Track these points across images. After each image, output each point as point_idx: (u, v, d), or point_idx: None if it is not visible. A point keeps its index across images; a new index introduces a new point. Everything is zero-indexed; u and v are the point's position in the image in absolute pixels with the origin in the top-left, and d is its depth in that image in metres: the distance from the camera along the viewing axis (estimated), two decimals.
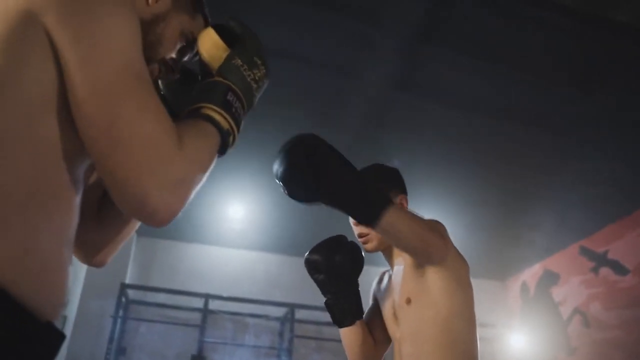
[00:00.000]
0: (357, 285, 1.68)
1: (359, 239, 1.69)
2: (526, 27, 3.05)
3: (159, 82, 0.98)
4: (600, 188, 4.43)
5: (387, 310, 1.67)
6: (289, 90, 3.53)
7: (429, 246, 1.40)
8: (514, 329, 6.05)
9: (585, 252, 5.35)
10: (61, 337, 0.70)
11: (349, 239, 1.69)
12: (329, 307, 1.67)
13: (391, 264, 1.72)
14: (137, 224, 1.01)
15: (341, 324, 1.67)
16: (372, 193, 1.31)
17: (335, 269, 1.62)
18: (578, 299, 5.34)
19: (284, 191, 1.30)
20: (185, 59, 0.98)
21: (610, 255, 5.01)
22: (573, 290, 5.44)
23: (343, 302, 1.65)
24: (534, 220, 5.06)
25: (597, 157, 4.06)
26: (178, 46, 0.95)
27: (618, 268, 4.90)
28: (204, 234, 5.72)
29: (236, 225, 5.42)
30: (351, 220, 1.69)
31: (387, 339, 1.75)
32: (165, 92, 0.99)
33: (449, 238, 1.52)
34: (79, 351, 4.88)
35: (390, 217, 1.30)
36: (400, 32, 3.11)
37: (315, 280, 1.66)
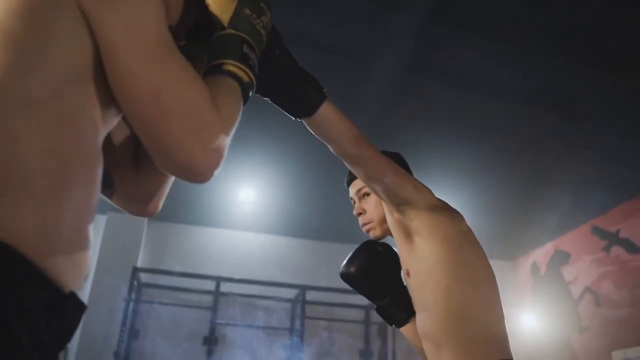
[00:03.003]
0: (400, 282, 1.66)
1: (363, 228, 1.70)
2: (544, 7, 2.99)
3: None
4: (613, 168, 4.39)
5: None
6: None
7: (365, 151, 1.36)
8: (525, 309, 6.05)
9: (597, 231, 5.32)
10: (82, 307, 0.71)
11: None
12: (380, 312, 1.68)
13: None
14: None
15: (398, 325, 1.68)
16: (310, 84, 1.26)
17: (371, 277, 1.63)
18: (589, 278, 5.33)
19: None
20: (187, 23, 0.98)
21: (622, 234, 4.99)
22: (584, 269, 5.43)
23: (392, 304, 1.65)
24: (546, 200, 5.04)
25: (611, 137, 4.02)
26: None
27: (630, 247, 4.88)
28: (216, 217, 5.75)
29: (247, 209, 5.44)
30: (354, 212, 1.72)
31: None
32: None
33: (419, 182, 1.46)
34: (92, 334, 4.95)
35: (327, 111, 1.29)
36: (415, 15, 3.07)
37: (358, 291, 1.67)
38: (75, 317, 0.70)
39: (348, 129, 1.35)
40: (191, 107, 0.71)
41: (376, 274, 1.63)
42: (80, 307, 0.70)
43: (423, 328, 1.45)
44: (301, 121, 1.32)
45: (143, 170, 0.98)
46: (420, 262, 1.44)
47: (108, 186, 0.92)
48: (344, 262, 1.66)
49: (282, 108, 1.27)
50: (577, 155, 4.31)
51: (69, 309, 0.68)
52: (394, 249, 1.70)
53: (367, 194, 1.69)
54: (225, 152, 0.76)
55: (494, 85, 3.64)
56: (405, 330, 1.67)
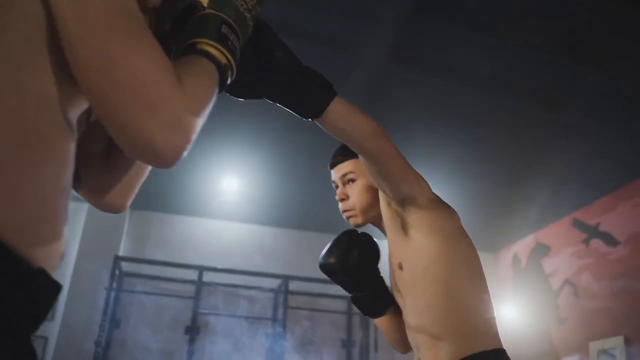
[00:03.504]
0: (378, 272, 1.63)
1: (344, 214, 1.64)
2: None
3: None
4: (594, 161, 4.44)
5: (391, 282, 1.60)
6: None
7: (383, 147, 1.29)
8: (506, 300, 6.12)
9: (577, 224, 5.39)
10: (56, 285, 0.67)
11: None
12: (357, 303, 1.64)
13: (385, 233, 1.62)
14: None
15: (375, 316, 1.65)
16: (317, 82, 1.21)
17: (352, 268, 1.56)
18: (569, 270, 5.40)
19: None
20: (174, 7, 0.94)
21: (602, 227, 5.06)
22: (564, 261, 5.50)
23: (370, 295, 1.61)
24: (527, 192, 5.08)
25: (594, 131, 4.06)
26: None
27: (609, 239, 4.95)
28: (198, 207, 5.72)
29: (230, 198, 5.42)
30: (337, 197, 1.65)
31: None
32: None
33: (421, 178, 1.44)
34: (72, 323, 4.91)
35: (338, 108, 1.23)
36: (400, 5, 3.06)
37: (336, 282, 1.62)
38: (47, 295, 0.66)
39: (365, 124, 1.28)
40: (148, 80, 0.64)
41: (356, 265, 1.56)
42: (53, 286, 0.66)
43: (418, 321, 1.42)
44: (313, 121, 1.28)
45: (113, 163, 0.94)
46: (417, 256, 1.41)
47: (75, 178, 0.87)
48: (323, 252, 1.59)
49: (290, 110, 1.23)
50: (559, 148, 4.34)
51: (38, 286, 0.64)
52: (380, 238, 1.68)
53: (352, 180, 1.62)
54: (192, 134, 0.70)
55: (478, 76, 3.65)
56: (380, 321, 1.65)
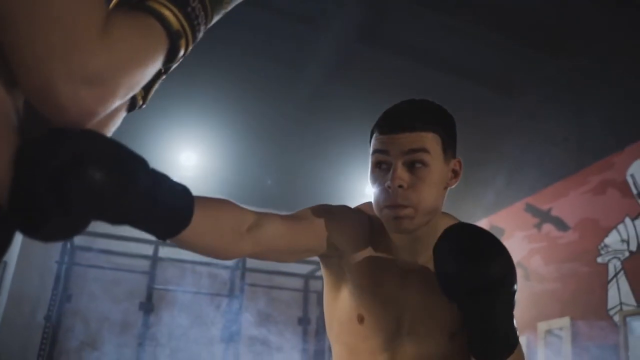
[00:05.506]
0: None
1: (391, 211, 1.05)
2: None
3: None
4: (548, 148, 4.55)
5: (388, 316, 1.22)
6: (251, 37, 3.43)
7: None
8: None
9: (530, 208, 5.53)
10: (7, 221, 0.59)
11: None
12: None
13: (412, 250, 1.18)
14: (118, 115, 0.82)
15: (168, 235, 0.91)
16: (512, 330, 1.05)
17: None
18: (520, 253, 5.55)
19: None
20: None
21: (553, 212, 5.20)
22: (516, 244, 5.64)
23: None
24: (482, 177, 5.17)
25: (548, 119, 4.14)
26: None
27: (560, 224, 5.10)
28: None
29: (189, 173, 5.31)
30: (391, 181, 1.04)
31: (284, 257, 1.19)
32: None
33: None
34: (21, 298, 4.76)
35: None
36: None
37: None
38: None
39: None
40: (62, 17, 0.55)
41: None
42: (4, 220, 0.59)
43: None
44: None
45: None
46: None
47: None
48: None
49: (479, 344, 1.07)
50: (513, 134, 4.42)
51: None
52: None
53: (424, 163, 1.04)
54: (110, 98, 0.60)
55: (436, 59, 3.67)
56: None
